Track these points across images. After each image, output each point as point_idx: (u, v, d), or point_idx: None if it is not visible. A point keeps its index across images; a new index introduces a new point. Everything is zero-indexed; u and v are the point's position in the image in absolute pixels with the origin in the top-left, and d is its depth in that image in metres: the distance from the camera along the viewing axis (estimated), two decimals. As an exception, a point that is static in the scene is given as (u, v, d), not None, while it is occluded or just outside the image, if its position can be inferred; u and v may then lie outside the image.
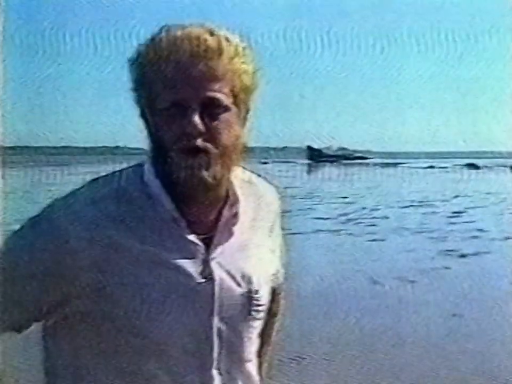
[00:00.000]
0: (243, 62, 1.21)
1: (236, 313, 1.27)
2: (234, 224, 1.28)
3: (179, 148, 1.17)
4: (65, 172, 44.94)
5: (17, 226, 1.27)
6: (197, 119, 1.16)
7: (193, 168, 1.18)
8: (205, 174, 1.18)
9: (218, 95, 1.18)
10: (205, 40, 1.17)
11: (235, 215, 1.28)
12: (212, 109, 1.18)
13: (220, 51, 1.17)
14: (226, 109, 1.19)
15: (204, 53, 1.16)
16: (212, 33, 1.19)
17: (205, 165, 1.18)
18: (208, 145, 1.18)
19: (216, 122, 1.18)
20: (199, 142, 1.17)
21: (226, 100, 1.19)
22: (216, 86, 1.17)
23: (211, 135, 1.18)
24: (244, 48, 1.22)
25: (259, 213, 1.36)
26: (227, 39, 1.19)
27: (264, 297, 1.32)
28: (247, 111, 1.25)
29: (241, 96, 1.21)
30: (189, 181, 1.19)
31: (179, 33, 1.18)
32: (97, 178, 1.26)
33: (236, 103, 1.21)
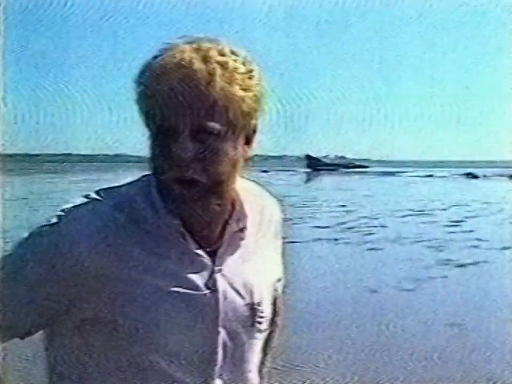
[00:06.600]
0: (242, 89, 1.16)
1: (239, 325, 1.28)
2: (242, 239, 1.28)
3: (171, 178, 1.17)
4: (64, 180, 44.94)
5: (16, 234, 1.27)
6: (186, 146, 1.14)
7: (186, 199, 1.18)
8: (196, 207, 1.19)
9: (210, 123, 1.14)
10: (196, 67, 1.13)
11: (242, 230, 1.28)
12: (203, 137, 1.15)
13: (210, 79, 1.13)
14: (219, 136, 1.15)
15: (194, 81, 1.13)
16: (205, 59, 1.15)
17: (197, 197, 1.17)
18: (198, 176, 1.16)
19: (208, 151, 1.15)
20: (189, 173, 1.15)
21: (219, 128, 1.15)
22: (207, 114, 1.14)
23: (202, 165, 1.15)
24: (244, 73, 1.17)
25: (263, 224, 1.36)
26: (222, 65, 1.15)
27: (266, 308, 1.33)
28: (253, 132, 1.22)
29: (240, 122, 1.17)
30: (184, 212, 1.20)
31: (171, 59, 1.15)
32: (105, 188, 1.26)
33: (233, 129, 1.17)
